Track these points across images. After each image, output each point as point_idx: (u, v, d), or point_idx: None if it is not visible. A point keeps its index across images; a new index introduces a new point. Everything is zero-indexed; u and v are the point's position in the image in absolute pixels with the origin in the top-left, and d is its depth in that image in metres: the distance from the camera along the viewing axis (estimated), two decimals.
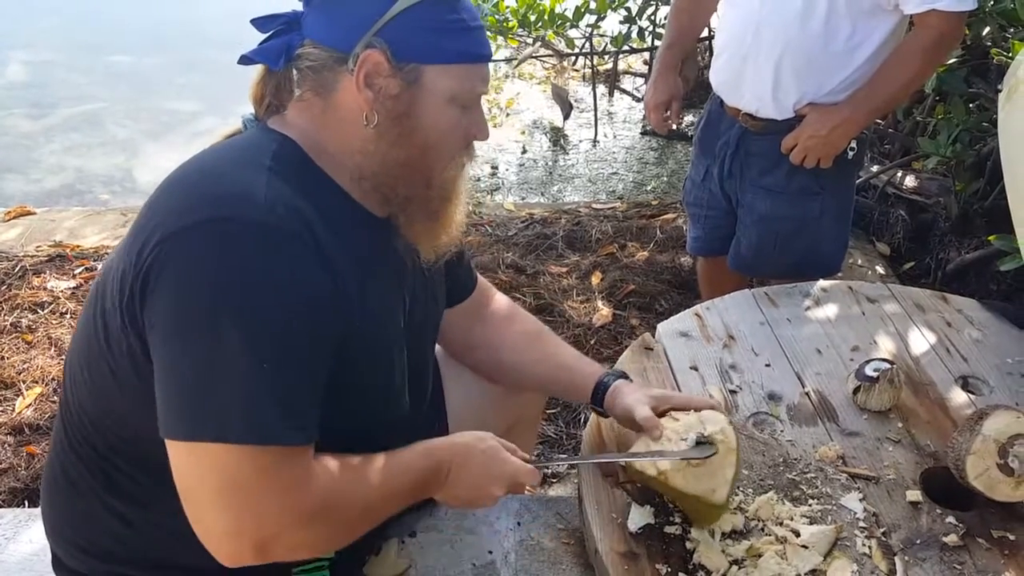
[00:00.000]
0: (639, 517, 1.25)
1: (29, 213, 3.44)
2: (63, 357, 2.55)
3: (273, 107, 1.15)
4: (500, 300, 1.52)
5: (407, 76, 1.07)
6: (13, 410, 2.37)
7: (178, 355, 0.98)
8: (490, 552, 1.42)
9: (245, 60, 1.13)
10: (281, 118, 1.14)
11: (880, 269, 3.04)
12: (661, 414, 1.29)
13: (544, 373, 1.45)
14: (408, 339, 1.23)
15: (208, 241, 0.98)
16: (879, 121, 3.25)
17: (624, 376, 1.40)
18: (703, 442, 1.22)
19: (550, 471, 1.86)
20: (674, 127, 2.32)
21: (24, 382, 2.46)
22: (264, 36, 1.13)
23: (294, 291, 0.99)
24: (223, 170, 1.05)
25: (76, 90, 5.24)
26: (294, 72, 1.13)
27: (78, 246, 3.15)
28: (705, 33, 4.02)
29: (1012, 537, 1.21)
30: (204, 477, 0.98)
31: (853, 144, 1.96)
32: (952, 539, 1.20)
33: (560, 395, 1.54)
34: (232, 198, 1.00)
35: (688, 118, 4.46)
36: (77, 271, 2.98)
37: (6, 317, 2.72)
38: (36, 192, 4.08)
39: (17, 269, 2.97)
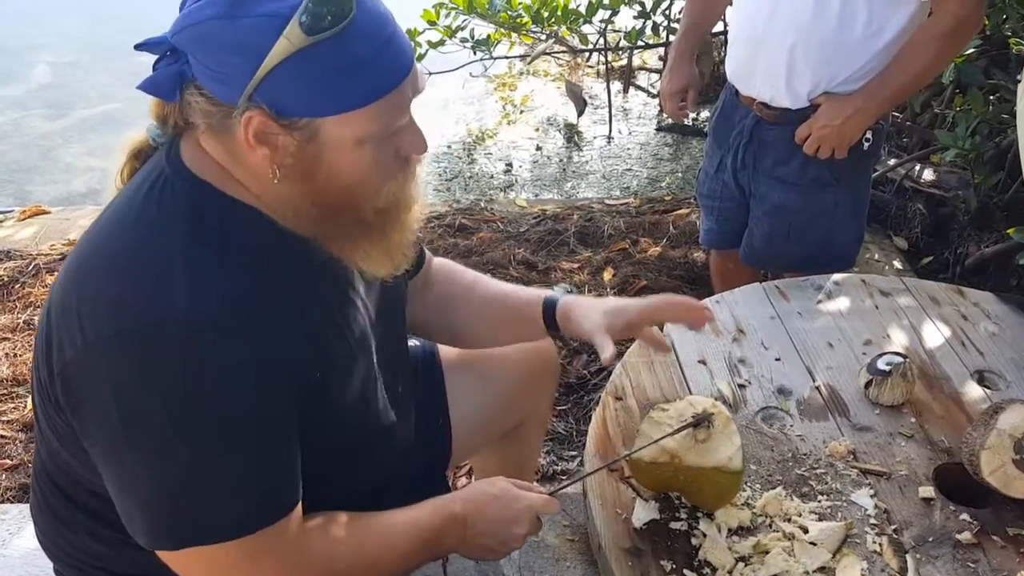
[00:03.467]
0: (644, 513, 1.23)
1: (44, 212, 3.46)
2: None
3: (179, 125, 1.03)
4: (436, 262, 1.46)
5: (301, 133, 0.94)
6: (24, 407, 2.37)
7: (121, 471, 0.97)
8: None
9: (141, 89, 1.01)
10: (194, 144, 1.02)
11: (897, 264, 3.00)
12: (626, 330, 1.28)
13: (491, 317, 1.39)
14: (376, 340, 1.18)
15: (129, 355, 0.92)
16: (896, 114, 3.21)
17: (568, 291, 1.34)
18: (698, 419, 1.22)
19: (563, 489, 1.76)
20: (690, 116, 2.29)
21: None
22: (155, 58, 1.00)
23: (227, 387, 0.94)
24: (136, 262, 0.96)
25: (96, 90, 5.27)
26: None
27: None
28: (721, 27, 3.98)
29: None
30: (189, 574, 0.99)
31: (868, 135, 1.92)
32: (966, 537, 1.17)
33: (516, 337, 1.44)
34: (148, 304, 0.93)
35: (703, 113, 4.42)
36: None
37: (19, 315, 2.74)
38: (57, 192, 4.10)
39: (31, 267, 2.99)
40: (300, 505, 1.02)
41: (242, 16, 0.89)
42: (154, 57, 0.99)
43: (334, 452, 1.08)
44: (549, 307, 1.32)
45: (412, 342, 1.52)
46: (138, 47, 0.99)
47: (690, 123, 4.35)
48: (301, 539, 1.01)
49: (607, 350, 1.22)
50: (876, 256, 3.04)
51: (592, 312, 1.28)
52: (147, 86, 0.99)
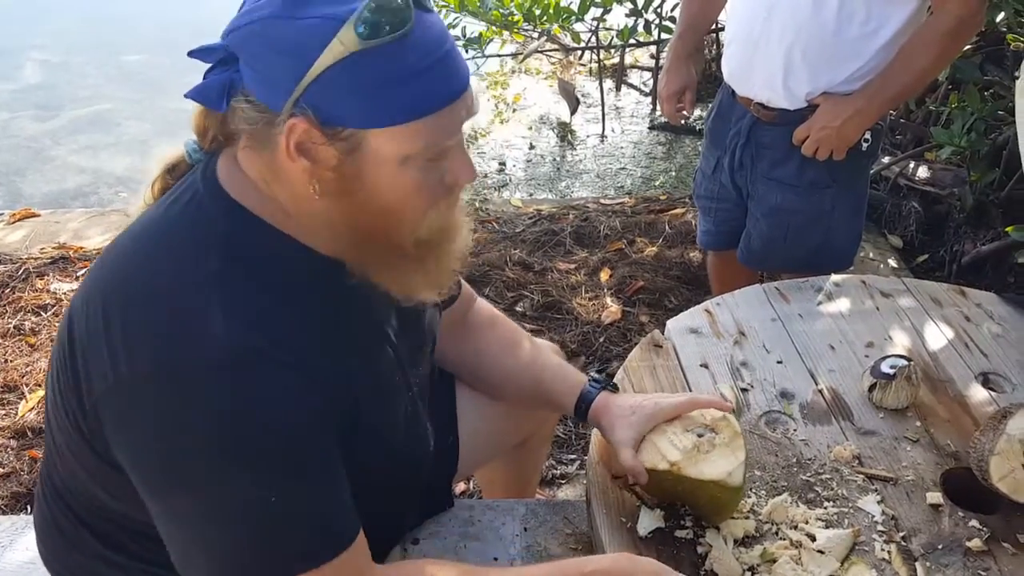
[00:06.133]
0: (649, 521, 1.21)
1: (33, 215, 3.43)
2: None
3: (219, 141, 1.01)
4: (481, 306, 1.44)
5: (344, 145, 0.89)
6: (16, 413, 2.34)
7: (171, 510, 0.93)
8: (495, 559, 1.38)
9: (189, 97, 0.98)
10: (232, 162, 0.98)
11: (892, 262, 2.99)
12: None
13: (522, 383, 1.37)
14: (405, 372, 1.15)
15: (167, 393, 0.89)
16: (891, 111, 3.20)
17: (607, 386, 1.31)
18: (704, 433, 1.20)
19: None
20: (687, 117, 2.27)
21: (27, 385, 2.44)
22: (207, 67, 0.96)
23: (272, 417, 0.90)
24: (169, 291, 0.92)
25: (87, 91, 5.23)
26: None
27: (81, 248, 3.13)
28: (713, 26, 3.96)
29: None
30: None
31: (867, 135, 1.91)
32: (976, 544, 1.16)
33: (540, 407, 1.42)
34: (183, 338, 0.89)
35: (697, 112, 4.41)
36: (80, 273, 2.97)
37: (9, 320, 2.71)
38: (48, 194, 4.06)
39: (21, 271, 2.95)
40: (363, 538, 0.98)
41: (298, 17, 0.86)
42: (188, 66, 0.97)
43: (357, 482, 1.03)
44: (583, 402, 1.29)
45: None
46: (191, 54, 0.95)
47: (687, 119, 4.34)
48: (371, 572, 0.97)
49: (640, 477, 1.18)
50: (871, 255, 3.03)
51: (622, 423, 1.23)
52: (195, 94, 0.96)
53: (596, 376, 1.32)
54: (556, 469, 2.17)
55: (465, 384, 1.47)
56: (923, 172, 3.15)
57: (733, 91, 2.03)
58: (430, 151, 0.92)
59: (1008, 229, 2.30)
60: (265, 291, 0.94)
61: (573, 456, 2.22)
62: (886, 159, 3.25)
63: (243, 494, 0.90)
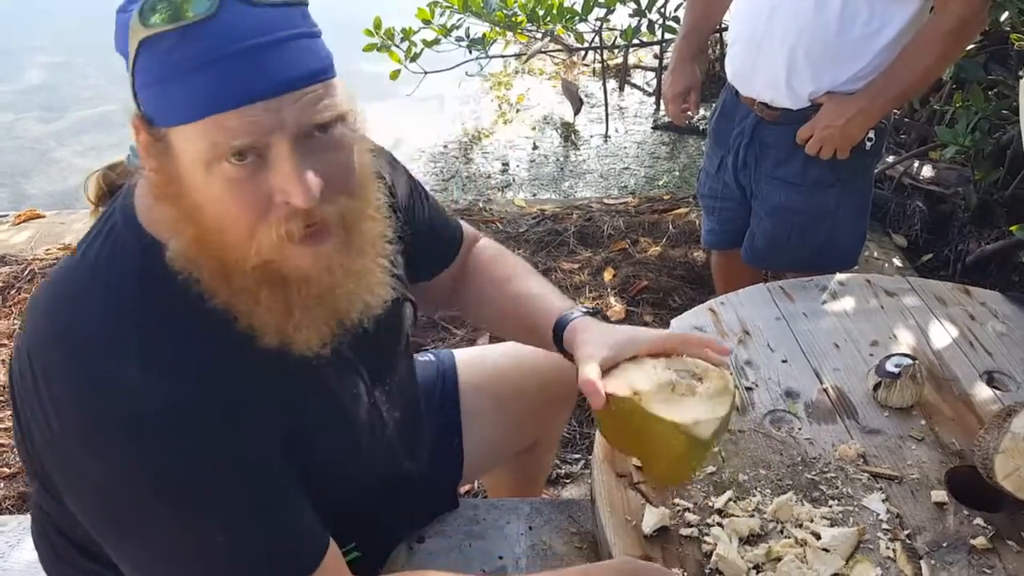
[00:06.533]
0: (654, 519, 1.21)
1: (39, 217, 3.44)
2: None
3: None
4: (484, 246, 1.37)
5: (160, 145, 0.83)
6: None
7: (127, 556, 0.92)
8: (500, 557, 1.38)
9: None
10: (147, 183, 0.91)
11: (897, 261, 2.99)
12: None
13: (516, 318, 1.28)
14: (372, 385, 1.11)
15: (97, 451, 0.86)
16: (895, 110, 3.20)
17: (592, 313, 1.20)
18: (687, 378, 1.09)
19: None
20: (692, 117, 2.27)
21: None
22: None
23: (204, 461, 0.87)
24: (89, 343, 0.87)
25: (89, 92, 5.24)
26: None
27: None
28: (717, 26, 3.96)
29: None
30: None
31: (871, 134, 1.91)
32: (980, 542, 1.16)
33: (530, 340, 1.30)
34: (107, 394, 0.85)
35: (701, 112, 4.41)
36: None
37: (15, 321, 2.72)
38: (52, 195, 4.07)
39: (26, 272, 2.96)
40: (336, 554, 0.97)
41: (126, 10, 0.83)
42: None
43: (335, 500, 1.02)
44: (559, 327, 1.20)
45: (428, 357, 1.50)
46: None
47: (687, 122, 4.34)
48: None
49: (595, 399, 1.06)
50: (875, 254, 3.03)
51: (595, 339, 1.14)
52: None
53: (585, 307, 1.23)
54: (561, 468, 2.17)
55: (470, 385, 1.46)
56: (927, 171, 3.15)
57: (737, 91, 2.03)
58: (219, 154, 0.80)
59: (1012, 228, 2.30)
60: (183, 330, 0.89)
61: (578, 455, 2.22)
62: (890, 158, 3.24)
63: (188, 538, 0.89)
